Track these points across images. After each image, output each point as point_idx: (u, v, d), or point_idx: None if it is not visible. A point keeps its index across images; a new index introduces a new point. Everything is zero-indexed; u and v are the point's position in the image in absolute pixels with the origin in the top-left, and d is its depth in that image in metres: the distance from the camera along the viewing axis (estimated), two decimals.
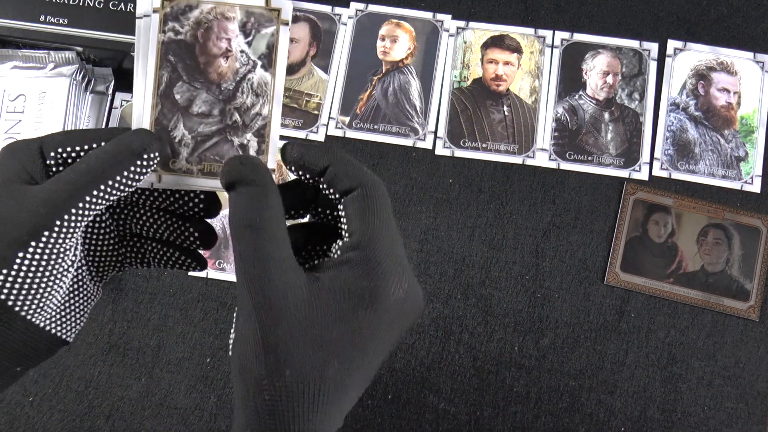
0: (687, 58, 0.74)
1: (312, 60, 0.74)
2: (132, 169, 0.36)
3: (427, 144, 0.71)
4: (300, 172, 0.38)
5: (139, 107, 0.40)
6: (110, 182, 0.35)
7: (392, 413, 0.66)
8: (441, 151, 0.71)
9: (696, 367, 0.67)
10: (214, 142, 0.41)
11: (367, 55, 0.74)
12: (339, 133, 0.71)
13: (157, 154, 0.38)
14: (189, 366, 0.66)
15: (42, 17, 0.68)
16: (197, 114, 0.41)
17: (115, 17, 0.68)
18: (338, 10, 0.75)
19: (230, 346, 0.36)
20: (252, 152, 0.41)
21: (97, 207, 0.36)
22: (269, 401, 0.33)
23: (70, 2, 0.68)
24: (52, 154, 0.36)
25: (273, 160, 0.41)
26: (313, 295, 0.34)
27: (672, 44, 0.74)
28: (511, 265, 0.69)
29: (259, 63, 0.42)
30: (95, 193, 0.35)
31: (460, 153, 0.71)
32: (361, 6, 0.75)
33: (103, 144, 0.37)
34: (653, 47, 0.74)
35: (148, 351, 0.67)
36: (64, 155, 0.37)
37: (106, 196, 0.36)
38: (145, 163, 0.37)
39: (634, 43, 0.74)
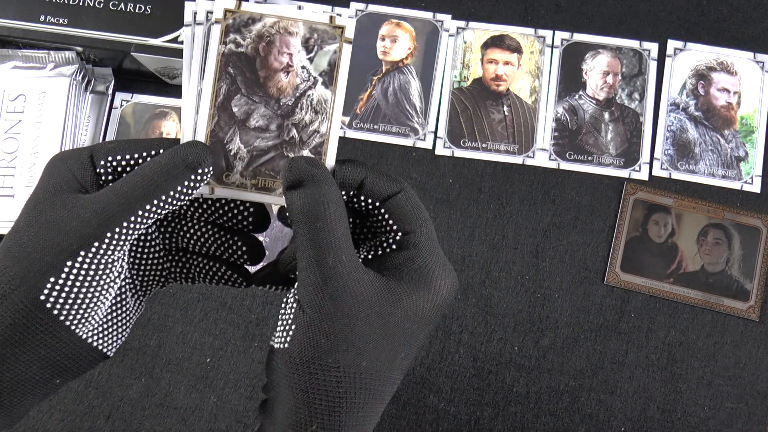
0: (687, 58, 0.74)
1: None
2: (186, 183, 0.36)
3: (427, 144, 0.71)
4: (364, 199, 0.38)
5: (188, 118, 0.40)
6: (164, 196, 0.35)
7: (392, 413, 0.66)
8: (441, 151, 0.71)
9: (696, 367, 0.67)
10: (270, 157, 0.41)
11: (367, 55, 0.74)
12: (339, 133, 0.71)
13: (211, 168, 0.37)
14: (189, 366, 0.66)
15: (42, 17, 0.68)
16: (254, 128, 0.40)
17: (115, 17, 0.68)
18: (338, 10, 0.75)
19: (283, 339, 0.35)
20: None
21: (149, 221, 0.35)
22: (343, 392, 0.34)
23: (70, 2, 0.68)
24: (102, 162, 0.36)
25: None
26: (384, 288, 0.35)
27: (672, 44, 0.74)
28: (511, 265, 0.69)
29: (320, 80, 0.41)
30: (148, 207, 0.35)
31: (460, 153, 0.71)
32: (361, 6, 0.75)
33: (153, 153, 0.37)
34: (653, 47, 0.74)
35: (148, 351, 0.67)
36: (114, 164, 0.36)
37: (159, 210, 0.35)
38: (199, 177, 0.36)
39: (634, 43, 0.74)
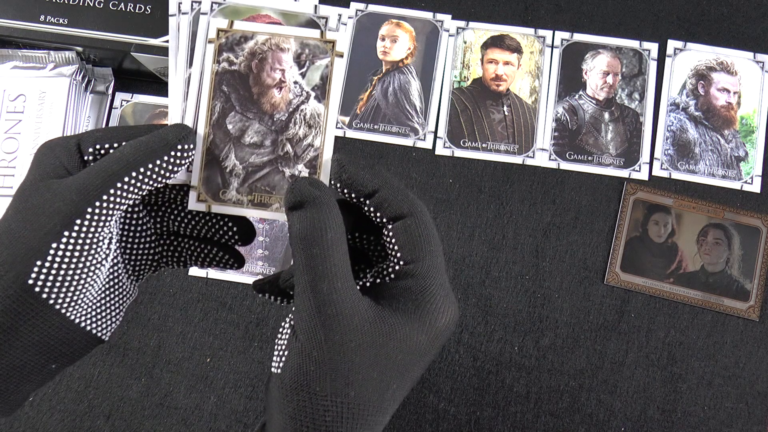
0: (687, 58, 0.74)
1: None
2: (166, 159, 0.36)
3: (427, 144, 0.71)
4: (346, 191, 0.38)
5: (175, 104, 0.40)
6: (142, 169, 0.35)
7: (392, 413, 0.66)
8: (441, 151, 0.71)
9: (696, 367, 0.67)
10: (266, 172, 0.41)
11: (367, 55, 0.74)
12: (339, 133, 0.71)
13: (192, 146, 0.37)
14: (189, 366, 0.66)
15: (42, 17, 0.68)
16: (249, 144, 0.40)
17: (115, 17, 0.68)
18: (338, 9, 0.75)
19: (277, 364, 0.35)
20: None
21: (130, 195, 0.35)
22: (330, 422, 0.33)
23: (70, 2, 0.68)
24: (90, 149, 0.36)
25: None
26: (378, 318, 0.35)
27: (672, 44, 0.74)
28: (511, 265, 0.69)
29: (313, 94, 0.41)
30: (127, 179, 0.35)
31: (460, 153, 0.71)
32: (361, 6, 0.75)
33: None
34: (653, 47, 0.74)
35: (148, 351, 0.67)
36: (102, 151, 0.37)
37: (139, 184, 0.35)
38: (179, 154, 0.36)
39: (634, 43, 0.74)
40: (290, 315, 0.37)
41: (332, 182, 0.38)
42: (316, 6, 0.41)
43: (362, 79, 0.73)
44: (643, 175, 0.71)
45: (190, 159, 0.38)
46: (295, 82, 0.41)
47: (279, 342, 0.36)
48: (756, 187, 0.71)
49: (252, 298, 0.68)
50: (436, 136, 0.72)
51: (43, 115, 0.68)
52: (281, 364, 0.35)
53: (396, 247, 0.37)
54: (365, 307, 0.35)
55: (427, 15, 0.75)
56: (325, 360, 0.33)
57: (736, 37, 0.74)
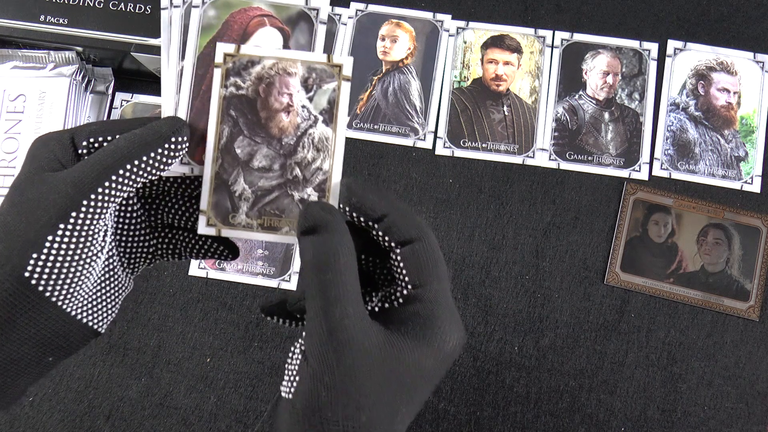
0: (687, 58, 0.74)
1: None
2: (159, 151, 0.36)
3: (427, 144, 0.71)
4: (355, 215, 0.38)
5: (168, 97, 0.40)
6: (137, 162, 0.35)
7: None
8: (441, 151, 0.71)
9: (696, 367, 0.67)
10: (275, 196, 0.41)
11: (367, 55, 0.74)
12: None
13: (186, 138, 0.38)
14: (189, 366, 0.66)
15: (42, 17, 0.68)
16: (258, 168, 0.41)
17: (115, 17, 0.68)
18: (338, 10, 0.75)
19: (287, 389, 0.36)
20: None
21: (125, 188, 0.36)
22: None
23: (70, 2, 0.68)
24: (84, 143, 0.37)
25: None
26: (388, 343, 0.35)
27: (672, 44, 0.74)
28: (511, 265, 0.69)
29: (321, 118, 0.41)
30: (121, 172, 0.35)
31: (460, 153, 0.71)
32: (361, 6, 0.75)
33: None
34: (653, 47, 0.74)
35: (148, 351, 0.67)
36: (96, 144, 0.37)
37: (134, 176, 0.36)
38: (173, 146, 0.37)
39: (634, 43, 0.74)
40: (300, 340, 0.37)
41: (341, 206, 0.38)
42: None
43: (362, 79, 0.73)
44: (643, 175, 0.71)
45: (184, 151, 0.38)
46: (303, 106, 0.41)
47: (289, 367, 0.37)
48: (756, 187, 0.71)
49: (252, 298, 0.68)
50: (436, 136, 0.72)
51: (43, 115, 0.68)
52: (292, 389, 0.35)
53: (404, 272, 0.37)
54: (375, 332, 0.35)
55: (427, 15, 0.75)
56: (336, 385, 0.34)
57: (736, 37, 0.74)
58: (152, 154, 0.36)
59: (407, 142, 0.71)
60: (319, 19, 0.41)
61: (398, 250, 0.37)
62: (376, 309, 0.38)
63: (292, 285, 0.68)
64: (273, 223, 0.41)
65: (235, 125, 0.41)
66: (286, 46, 0.41)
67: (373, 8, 0.75)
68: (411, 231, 0.37)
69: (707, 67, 0.74)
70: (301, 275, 0.36)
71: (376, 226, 0.37)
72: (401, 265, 0.37)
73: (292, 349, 0.37)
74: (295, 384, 0.35)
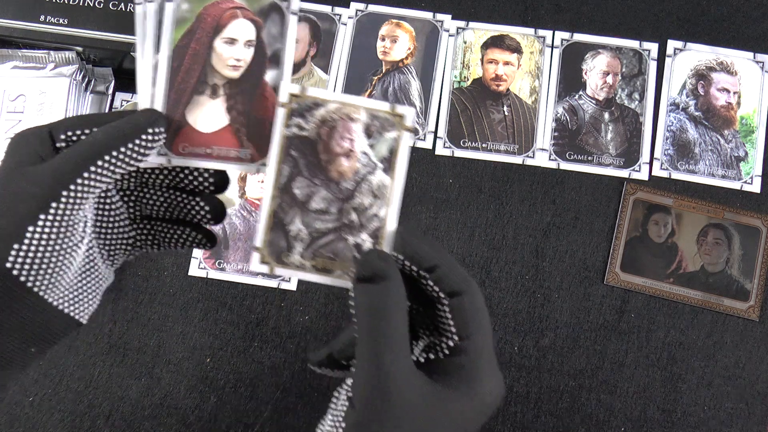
0: (687, 58, 0.74)
1: (312, 60, 0.74)
2: (137, 142, 0.37)
3: (427, 144, 0.71)
4: (408, 263, 0.39)
5: (144, 90, 0.40)
6: (115, 153, 0.36)
7: None
8: (441, 151, 0.71)
9: (696, 367, 0.67)
10: (330, 239, 0.41)
11: (367, 55, 0.74)
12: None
13: (162, 129, 0.38)
14: (189, 366, 0.66)
15: (42, 17, 0.68)
16: (315, 210, 0.41)
17: (115, 17, 0.68)
18: (338, 10, 0.75)
19: (331, 427, 0.36)
20: None
21: (104, 178, 0.36)
22: None
23: (70, 2, 0.68)
24: (62, 136, 0.37)
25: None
26: (433, 394, 0.36)
27: (672, 44, 0.74)
28: (511, 265, 0.69)
29: (380, 166, 0.42)
30: (99, 163, 0.36)
31: (460, 153, 0.71)
32: (361, 6, 0.75)
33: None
34: (653, 47, 0.74)
35: (148, 351, 0.67)
36: (74, 138, 0.37)
37: (112, 167, 0.36)
38: (150, 137, 0.37)
39: (634, 43, 0.74)
40: (346, 385, 0.38)
41: (395, 254, 0.39)
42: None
43: (362, 79, 0.73)
44: (643, 175, 0.71)
45: (161, 142, 0.38)
46: (364, 153, 0.41)
47: (334, 411, 0.37)
48: (756, 187, 0.71)
49: (252, 298, 0.68)
50: (436, 136, 0.72)
51: (43, 116, 0.68)
52: None
53: (452, 323, 0.38)
54: (421, 382, 0.36)
55: (427, 15, 0.75)
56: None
57: (736, 37, 0.74)
58: (130, 145, 0.36)
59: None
60: (290, 10, 0.41)
61: (446, 301, 0.38)
62: (422, 359, 0.39)
63: (291, 285, 0.68)
64: (326, 265, 0.41)
65: (296, 166, 0.41)
66: (258, 36, 0.41)
67: (373, 8, 0.75)
68: (460, 284, 0.38)
69: (707, 67, 0.74)
70: (355, 321, 0.37)
71: (427, 275, 0.38)
72: (449, 315, 0.38)
73: (336, 394, 0.38)
74: (341, 430, 0.36)
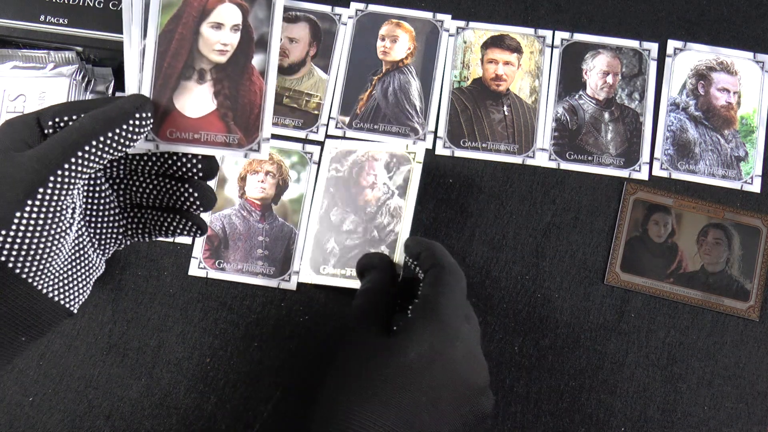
0: (687, 58, 0.74)
1: (312, 60, 0.74)
2: (124, 127, 0.37)
3: (427, 144, 0.71)
4: (410, 259, 0.51)
5: (132, 75, 0.40)
6: (102, 138, 0.36)
7: None
8: (441, 151, 0.71)
9: (696, 367, 0.67)
10: (356, 253, 0.55)
11: (367, 55, 0.74)
12: (339, 132, 0.71)
13: (149, 114, 0.38)
14: (189, 366, 0.66)
15: (42, 17, 0.68)
16: (346, 231, 0.55)
17: (115, 17, 0.68)
18: (338, 10, 0.75)
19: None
20: None
21: (91, 164, 0.36)
22: None
23: (70, 2, 0.68)
24: (50, 123, 0.37)
25: (399, 268, 0.54)
26: (381, 342, 0.44)
27: (672, 44, 0.74)
28: (511, 265, 0.69)
29: (397, 192, 0.57)
30: (87, 148, 0.35)
31: (460, 153, 0.71)
32: (361, 6, 0.75)
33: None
34: (653, 47, 0.74)
35: (148, 351, 0.67)
36: (62, 124, 0.37)
37: (99, 153, 0.36)
38: (137, 122, 0.37)
39: (634, 43, 0.74)
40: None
41: (406, 258, 0.52)
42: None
43: (362, 79, 0.73)
44: (643, 175, 0.71)
45: (149, 127, 0.38)
46: (384, 183, 0.56)
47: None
48: (756, 187, 0.71)
49: (252, 298, 0.68)
50: (436, 136, 0.72)
51: None
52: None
53: (421, 285, 0.47)
54: (377, 337, 0.45)
55: (427, 15, 0.75)
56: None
57: (736, 37, 0.74)
58: (117, 131, 0.36)
59: (407, 142, 0.71)
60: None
61: (422, 276, 0.48)
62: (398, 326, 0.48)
63: (292, 285, 0.68)
64: (353, 273, 0.55)
65: (332, 198, 0.56)
66: (245, 21, 0.41)
67: (373, 8, 0.75)
68: (434, 260, 0.48)
69: (707, 67, 0.74)
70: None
71: (416, 262, 0.49)
72: (422, 284, 0.48)
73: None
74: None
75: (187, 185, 0.42)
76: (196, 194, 0.42)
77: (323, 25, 0.75)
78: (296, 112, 0.72)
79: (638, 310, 0.68)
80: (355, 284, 0.51)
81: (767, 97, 0.73)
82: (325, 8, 0.75)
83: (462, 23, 0.75)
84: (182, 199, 0.42)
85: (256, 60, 0.41)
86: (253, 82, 0.41)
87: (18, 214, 0.34)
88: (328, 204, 0.53)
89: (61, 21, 0.68)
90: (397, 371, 0.40)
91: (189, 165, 0.41)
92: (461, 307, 0.46)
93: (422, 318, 0.43)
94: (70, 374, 0.66)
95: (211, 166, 0.42)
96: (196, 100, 0.40)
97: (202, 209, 0.43)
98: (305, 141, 0.71)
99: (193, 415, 0.65)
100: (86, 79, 0.70)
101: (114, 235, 0.43)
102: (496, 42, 0.74)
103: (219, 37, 0.40)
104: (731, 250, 0.69)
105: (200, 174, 0.42)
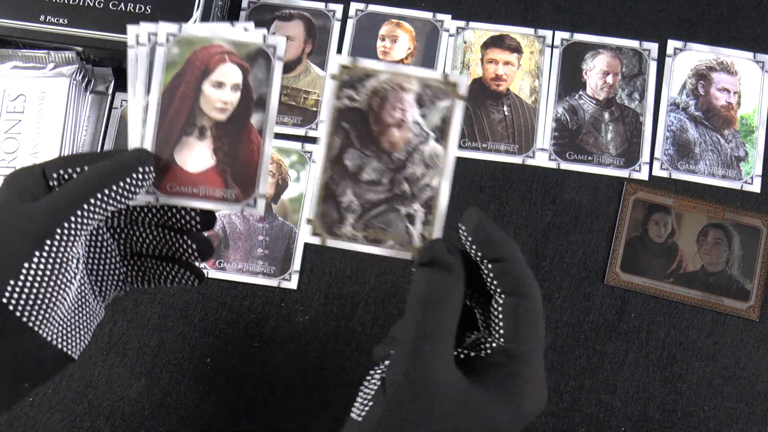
0: (687, 58, 0.74)
1: (308, 57, 0.74)
2: (127, 180, 0.38)
3: None
4: (473, 246, 0.39)
5: (135, 130, 0.41)
6: (106, 191, 0.37)
7: None
8: None
9: (696, 367, 0.67)
10: (382, 210, 0.41)
11: (367, 54, 0.74)
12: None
13: (151, 168, 0.39)
14: (189, 366, 0.66)
15: (42, 17, 0.68)
16: (366, 181, 0.41)
17: (115, 17, 0.68)
18: (332, 6, 0.75)
19: (359, 412, 0.36)
20: (419, 223, 0.42)
21: (96, 215, 0.37)
22: None
23: (70, 2, 0.68)
24: (55, 175, 0.38)
25: (440, 231, 0.42)
26: (466, 393, 0.35)
27: (672, 44, 0.74)
28: None
29: (432, 135, 0.42)
30: (92, 200, 0.37)
31: (460, 153, 0.71)
32: (361, 6, 0.75)
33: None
34: (653, 47, 0.74)
35: (148, 351, 0.67)
36: (66, 176, 0.38)
37: (104, 205, 0.37)
38: (139, 176, 0.38)
39: (634, 43, 0.74)
40: (382, 366, 0.37)
41: (465, 234, 0.39)
42: (264, 36, 0.42)
43: None
44: (643, 175, 0.71)
45: (150, 181, 0.39)
46: (416, 122, 0.41)
47: (365, 391, 0.37)
48: (756, 187, 0.71)
49: (252, 298, 0.68)
50: None
51: (43, 115, 0.68)
52: (363, 413, 0.36)
53: (501, 324, 0.37)
54: (456, 378, 0.35)
55: (427, 15, 0.75)
56: (408, 420, 0.34)
57: (736, 37, 0.74)
58: (121, 183, 0.37)
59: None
60: (276, 56, 0.42)
61: (501, 300, 0.37)
62: (461, 356, 0.38)
63: (292, 284, 0.68)
64: (378, 236, 0.41)
65: (347, 137, 0.41)
66: (245, 80, 0.42)
67: (373, 8, 0.75)
68: (520, 285, 0.37)
69: (707, 67, 0.74)
70: (407, 303, 0.36)
71: (490, 266, 0.38)
72: (500, 316, 0.37)
73: (371, 372, 0.38)
74: (367, 408, 0.35)
75: (185, 236, 0.44)
76: (194, 245, 0.44)
77: (318, 22, 0.75)
78: (294, 110, 0.72)
79: (638, 310, 0.68)
80: (380, 251, 0.40)
81: (767, 97, 0.73)
82: (319, 5, 0.75)
83: (462, 23, 0.75)
84: (181, 249, 0.44)
85: (255, 119, 0.42)
86: (251, 141, 0.42)
87: (26, 265, 0.35)
88: (341, 144, 0.40)
89: (61, 21, 0.68)
90: None
91: (188, 217, 0.43)
92: (542, 367, 0.38)
93: (504, 389, 0.36)
94: (70, 374, 0.66)
95: (208, 219, 0.44)
96: (196, 156, 0.42)
97: (200, 260, 0.45)
98: (304, 138, 0.71)
99: (193, 415, 0.65)
100: (86, 79, 0.70)
101: (114, 282, 0.44)
102: (496, 42, 0.74)
103: (220, 96, 0.42)
104: (731, 250, 0.69)
105: (198, 226, 0.43)
